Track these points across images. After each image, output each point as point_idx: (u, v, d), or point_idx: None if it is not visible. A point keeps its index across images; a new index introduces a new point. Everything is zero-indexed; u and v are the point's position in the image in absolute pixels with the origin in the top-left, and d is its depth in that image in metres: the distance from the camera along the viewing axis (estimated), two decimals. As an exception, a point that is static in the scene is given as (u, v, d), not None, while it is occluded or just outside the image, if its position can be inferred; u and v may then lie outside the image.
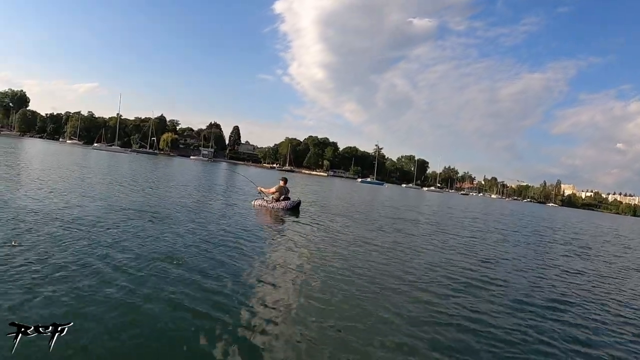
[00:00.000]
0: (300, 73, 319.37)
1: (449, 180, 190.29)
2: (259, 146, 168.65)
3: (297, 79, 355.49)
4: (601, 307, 7.35)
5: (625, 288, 9.53)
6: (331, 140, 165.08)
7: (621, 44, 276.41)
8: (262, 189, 16.26)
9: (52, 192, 12.94)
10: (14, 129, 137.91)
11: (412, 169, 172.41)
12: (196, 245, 8.08)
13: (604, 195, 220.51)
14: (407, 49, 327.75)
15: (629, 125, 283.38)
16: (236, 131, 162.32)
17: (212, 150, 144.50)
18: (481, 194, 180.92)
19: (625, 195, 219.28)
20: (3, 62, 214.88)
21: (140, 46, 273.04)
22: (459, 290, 7.17)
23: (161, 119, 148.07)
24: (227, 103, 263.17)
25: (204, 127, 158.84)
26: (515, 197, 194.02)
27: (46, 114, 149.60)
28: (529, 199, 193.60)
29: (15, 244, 6.32)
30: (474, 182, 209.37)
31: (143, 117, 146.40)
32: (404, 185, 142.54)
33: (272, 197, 15.56)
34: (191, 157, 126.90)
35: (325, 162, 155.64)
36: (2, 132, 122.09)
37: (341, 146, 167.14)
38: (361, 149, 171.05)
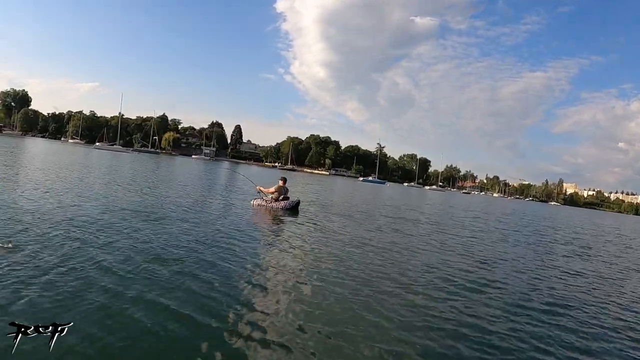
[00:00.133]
0: (302, 72, 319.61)
1: (451, 179, 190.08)
2: (260, 145, 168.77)
3: (299, 78, 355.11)
4: (601, 311, 7.22)
5: (626, 290, 9.41)
6: (333, 139, 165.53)
7: (622, 44, 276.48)
8: (262, 189, 16.23)
9: (48, 192, 12.89)
10: (16, 128, 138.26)
11: (414, 167, 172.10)
12: (189, 246, 8.00)
13: (606, 194, 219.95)
14: (408, 48, 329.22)
15: (630, 124, 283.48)
16: (238, 130, 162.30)
17: (214, 149, 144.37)
18: (483, 193, 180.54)
19: (628, 194, 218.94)
20: (5, 62, 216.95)
21: (142, 45, 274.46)
22: (454, 293, 7.06)
23: (163, 118, 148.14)
24: (228, 102, 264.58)
25: (205, 126, 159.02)
26: (517, 196, 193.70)
27: (48, 114, 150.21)
28: (530, 198, 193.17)
29: (11, 246, 6.28)
30: (476, 181, 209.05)
31: (145, 116, 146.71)
32: (405, 184, 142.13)
33: (272, 197, 15.55)
34: (193, 156, 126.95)
35: (327, 161, 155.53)
36: (4, 132, 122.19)
37: (343, 145, 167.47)
38: (363, 147, 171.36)
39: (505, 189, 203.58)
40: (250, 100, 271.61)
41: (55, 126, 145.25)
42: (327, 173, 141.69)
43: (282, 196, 15.59)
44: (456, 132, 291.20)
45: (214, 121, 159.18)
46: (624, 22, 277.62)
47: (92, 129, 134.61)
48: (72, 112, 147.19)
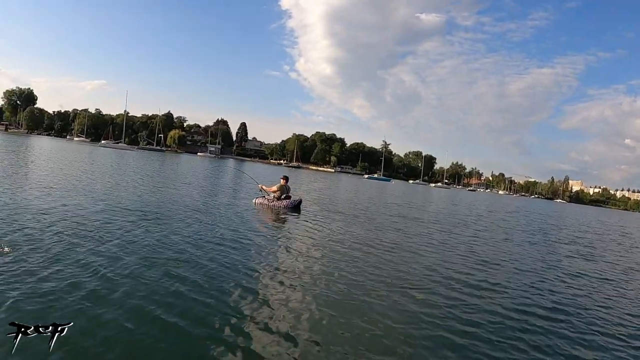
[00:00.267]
0: (308, 69, 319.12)
1: (457, 176, 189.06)
2: (266, 142, 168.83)
3: (304, 75, 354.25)
4: (603, 314, 7.07)
5: (629, 293, 9.25)
6: (339, 136, 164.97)
7: (630, 39, 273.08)
8: (264, 187, 16.30)
9: (50, 190, 12.92)
10: (21, 126, 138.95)
11: (420, 164, 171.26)
12: (189, 245, 8.04)
13: (612, 192, 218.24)
14: (414, 44, 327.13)
15: (637, 120, 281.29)
16: (243, 128, 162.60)
17: (220, 146, 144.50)
18: (489, 190, 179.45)
19: (634, 191, 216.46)
20: (12, 61, 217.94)
21: (147, 43, 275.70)
22: (452, 297, 6.89)
23: (168, 115, 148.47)
24: (234, 100, 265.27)
25: (211, 123, 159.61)
26: (523, 193, 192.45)
27: (54, 112, 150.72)
28: (536, 195, 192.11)
29: (7, 250, 6.21)
30: (482, 178, 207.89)
31: (150, 114, 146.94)
32: (411, 182, 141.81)
33: (274, 196, 15.61)
34: (198, 153, 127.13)
35: (333, 158, 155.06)
36: (9, 130, 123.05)
37: (349, 142, 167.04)
38: (369, 145, 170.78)
39: (511, 186, 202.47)
40: (255, 98, 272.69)
41: (60, 124, 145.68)
42: (333, 170, 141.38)
43: (284, 195, 15.64)
44: (463, 129, 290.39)
45: (220, 119, 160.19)
46: (632, 17, 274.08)
47: (98, 127, 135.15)
48: (77, 110, 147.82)
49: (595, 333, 6.07)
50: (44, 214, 9.33)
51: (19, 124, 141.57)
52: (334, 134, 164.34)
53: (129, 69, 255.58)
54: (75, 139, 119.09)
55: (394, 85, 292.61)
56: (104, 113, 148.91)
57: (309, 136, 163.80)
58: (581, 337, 5.81)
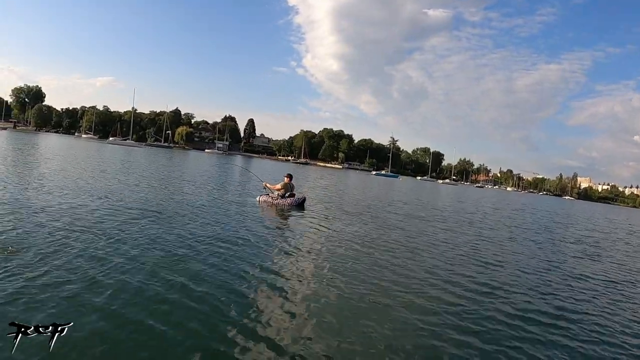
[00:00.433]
0: (315, 65, 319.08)
1: (464, 172, 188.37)
2: (274, 139, 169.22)
3: (311, 71, 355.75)
4: (607, 320, 6.90)
5: (636, 297, 9.06)
6: (346, 132, 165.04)
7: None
8: (268, 185, 16.34)
9: (52, 189, 12.94)
10: (30, 124, 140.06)
11: (427, 161, 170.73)
12: (191, 243, 8.09)
13: (620, 189, 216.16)
14: (422, 40, 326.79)
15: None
16: (251, 124, 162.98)
17: (227, 143, 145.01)
18: (497, 187, 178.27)
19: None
20: (19, 58, 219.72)
21: (155, 40, 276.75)
22: (453, 301, 6.75)
23: (176, 112, 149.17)
24: (241, 96, 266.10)
25: (218, 120, 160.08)
26: (531, 190, 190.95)
27: (62, 109, 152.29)
28: (544, 192, 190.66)
29: (12, 250, 6.27)
30: (490, 175, 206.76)
31: (158, 110, 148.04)
32: (418, 178, 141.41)
33: (278, 194, 15.63)
34: (206, 150, 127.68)
35: (340, 155, 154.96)
36: (18, 127, 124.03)
37: (356, 138, 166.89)
38: (376, 141, 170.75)
39: (519, 182, 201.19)
40: (262, 94, 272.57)
41: (69, 121, 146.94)
42: (340, 167, 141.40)
43: (288, 193, 15.65)
44: (470, 124, 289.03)
45: (227, 115, 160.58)
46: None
47: (106, 124, 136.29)
48: (85, 107, 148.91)
49: (598, 341, 5.91)
50: (48, 211, 9.40)
51: (27, 121, 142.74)
52: (342, 130, 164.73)
53: (138, 66, 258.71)
54: (84, 136, 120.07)
55: (401, 81, 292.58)
56: (111, 110, 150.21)
57: (316, 132, 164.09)
58: (584, 344, 5.68)
